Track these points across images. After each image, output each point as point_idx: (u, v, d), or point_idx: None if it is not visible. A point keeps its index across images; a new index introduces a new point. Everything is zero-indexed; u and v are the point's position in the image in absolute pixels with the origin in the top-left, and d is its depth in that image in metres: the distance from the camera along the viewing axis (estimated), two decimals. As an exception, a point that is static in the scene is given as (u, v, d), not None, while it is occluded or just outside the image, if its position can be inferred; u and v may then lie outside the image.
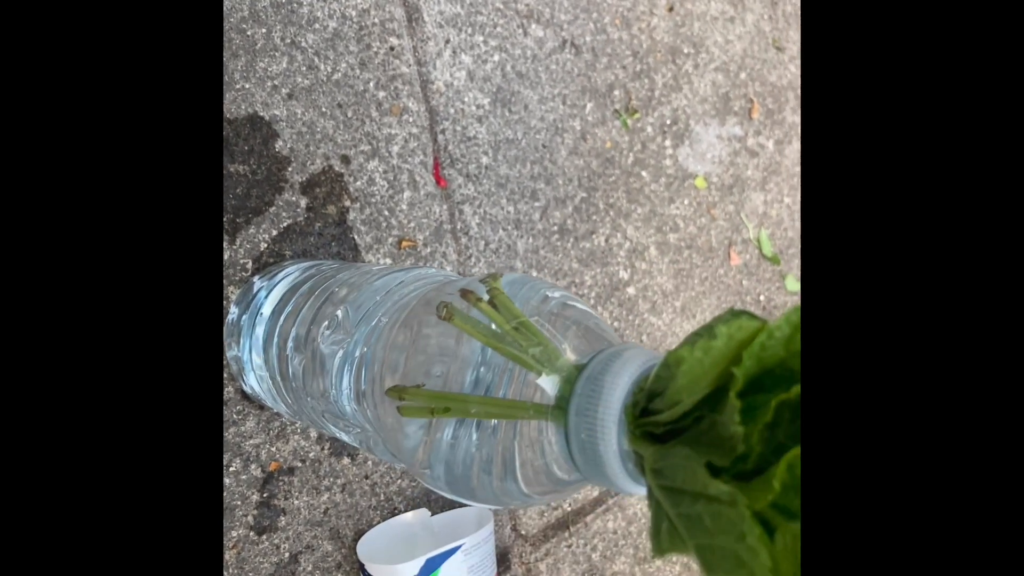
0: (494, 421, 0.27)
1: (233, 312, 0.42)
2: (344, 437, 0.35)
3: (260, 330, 0.38)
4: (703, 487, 0.18)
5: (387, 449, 0.32)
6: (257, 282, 0.42)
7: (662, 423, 0.20)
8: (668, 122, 0.69)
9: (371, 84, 0.49)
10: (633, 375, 0.22)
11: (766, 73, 0.79)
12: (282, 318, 0.37)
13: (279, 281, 0.40)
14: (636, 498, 0.67)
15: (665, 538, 0.20)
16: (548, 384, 0.25)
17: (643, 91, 0.67)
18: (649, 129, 0.67)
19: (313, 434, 0.47)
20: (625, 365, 0.23)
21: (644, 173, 0.67)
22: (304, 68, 0.46)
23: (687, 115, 0.71)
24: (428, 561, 0.48)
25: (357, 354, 0.30)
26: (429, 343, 0.27)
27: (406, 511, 0.52)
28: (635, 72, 0.66)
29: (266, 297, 0.40)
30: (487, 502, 0.28)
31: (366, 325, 0.31)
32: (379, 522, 0.51)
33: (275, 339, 0.37)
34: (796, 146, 0.82)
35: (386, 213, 0.50)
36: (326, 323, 0.33)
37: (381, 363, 0.28)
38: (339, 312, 0.33)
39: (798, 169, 0.82)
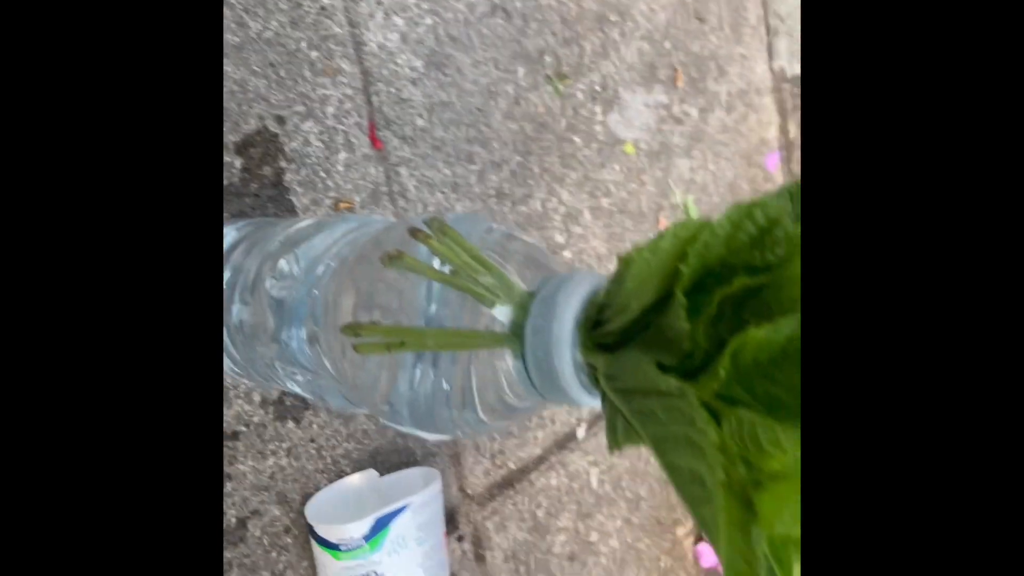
0: (450, 355, 0.27)
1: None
2: (295, 388, 0.35)
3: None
4: (654, 384, 0.20)
5: (342, 393, 0.32)
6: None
7: (613, 332, 0.22)
8: (598, 88, 0.70)
9: (303, 44, 0.49)
10: (584, 293, 0.23)
11: (689, 43, 0.81)
12: (226, 273, 0.36)
13: (218, 238, 0.39)
14: (577, 455, 0.69)
15: (621, 434, 0.21)
16: (502, 313, 0.26)
17: (573, 57, 0.68)
18: (580, 95, 0.69)
19: (256, 398, 0.47)
20: (577, 285, 0.24)
21: (576, 138, 0.68)
22: (233, 25, 0.45)
23: (615, 82, 0.72)
24: (377, 520, 0.48)
25: (308, 297, 0.30)
26: (381, 282, 0.28)
27: (353, 473, 0.52)
28: (564, 39, 0.67)
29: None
30: (444, 432, 0.28)
31: (314, 270, 0.31)
32: (326, 485, 0.51)
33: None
34: (719, 115, 0.85)
35: (322, 174, 0.50)
36: (273, 273, 0.33)
37: (334, 304, 0.29)
38: (284, 262, 0.32)
39: (722, 136, 0.86)
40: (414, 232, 0.28)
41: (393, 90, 0.54)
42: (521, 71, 0.63)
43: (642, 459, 0.76)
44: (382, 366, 0.29)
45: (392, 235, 0.29)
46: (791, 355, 0.18)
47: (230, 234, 0.40)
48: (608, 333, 0.22)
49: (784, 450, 0.17)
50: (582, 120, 0.69)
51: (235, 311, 0.35)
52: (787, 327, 0.17)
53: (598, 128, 0.71)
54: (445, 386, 0.28)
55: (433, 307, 0.28)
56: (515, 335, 0.25)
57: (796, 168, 0.98)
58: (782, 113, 0.96)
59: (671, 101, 0.79)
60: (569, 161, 0.68)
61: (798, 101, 0.97)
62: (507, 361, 0.25)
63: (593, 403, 0.24)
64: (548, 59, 0.66)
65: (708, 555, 0.81)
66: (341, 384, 0.31)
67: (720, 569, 0.91)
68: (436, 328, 0.27)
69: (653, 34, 0.77)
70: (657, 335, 0.21)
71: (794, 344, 0.17)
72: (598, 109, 0.71)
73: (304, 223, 0.35)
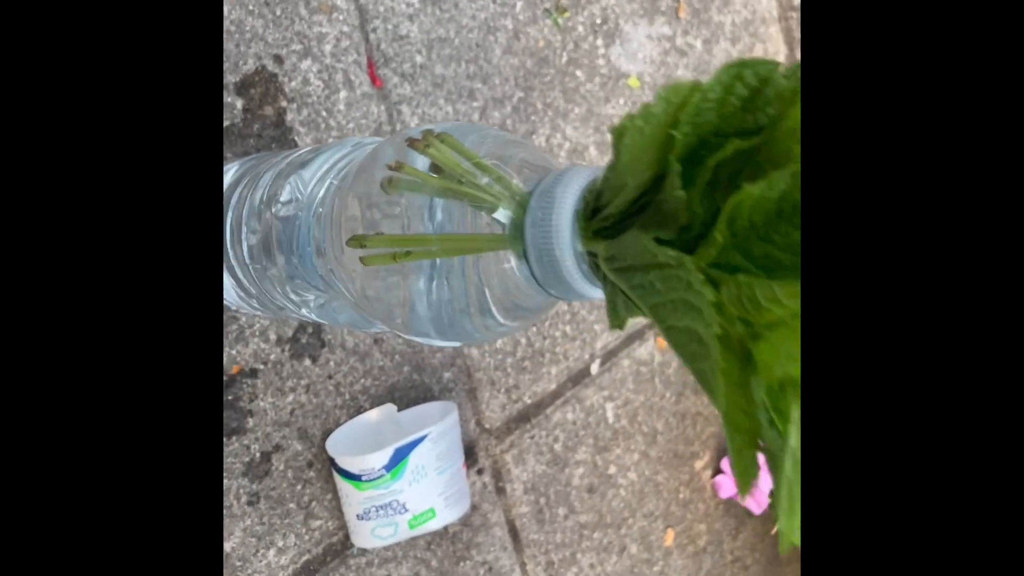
0: (458, 264, 0.28)
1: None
2: (310, 315, 0.36)
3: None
4: (652, 257, 0.20)
5: (356, 311, 0.33)
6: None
7: (612, 215, 0.22)
8: (598, 21, 0.69)
9: (297, -19, 0.48)
10: (581, 183, 0.24)
11: (690, -28, 0.80)
12: (232, 203, 0.37)
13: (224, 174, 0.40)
14: (592, 390, 0.70)
15: (622, 310, 0.21)
16: (503, 215, 0.26)
17: (571, -10, 0.67)
18: (580, 28, 0.68)
19: (272, 336, 0.48)
20: (575, 176, 0.24)
21: (579, 73, 0.68)
22: (226, -37, 0.45)
23: (616, 14, 0.71)
24: (396, 451, 0.49)
25: (313, 216, 0.31)
26: (383, 194, 0.28)
27: (371, 408, 0.53)
28: (562, -30, 0.66)
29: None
30: (465, 339, 0.29)
31: (318, 189, 0.31)
32: (346, 420, 0.52)
33: (228, 224, 0.37)
34: (724, 46, 0.84)
35: (324, 113, 0.50)
36: (278, 196, 0.33)
37: (340, 218, 0.29)
38: (288, 184, 0.33)
39: (726, 68, 0.84)
40: (412, 142, 0.28)
41: (390, 27, 0.53)
42: (519, 4, 0.62)
43: (657, 394, 0.76)
44: (393, 276, 0.29)
45: (389, 148, 0.29)
46: (787, 212, 0.18)
47: (233, 168, 0.40)
48: (607, 217, 0.22)
49: (783, 305, 0.18)
50: (584, 54, 0.68)
51: (244, 240, 0.36)
52: (782, 182, 0.17)
53: (600, 62, 0.70)
54: (460, 294, 0.28)
55: (437, 215, 0.28)
56: (517, 234, 0.25)
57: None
58: (789, 43, 0.94)
59: (674, 33, 0.78)
60: (572, 96, 0.67)
61: (805, 30, 0.95)
62: (512, 262, 0.26)
63: (596, 295, 0.25)
64: (546, -8, 0.65)
65: (726, 487, 0.83)
66: (355, 300, 0.31)
67: (739, 499, 0.92)
68: (440, 234, 0.27)
69: (653, -36, 0.75)
70: (655, 213, 0.21)
71: (790, 199, 0.17)
72: (600, 42, 0.70)
73: (304, 149, 0.36)
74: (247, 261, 0.36)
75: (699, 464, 0.82)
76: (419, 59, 0.55)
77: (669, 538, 0.78)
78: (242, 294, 0.39)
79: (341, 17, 0.50)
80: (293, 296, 0.35)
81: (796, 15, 0.94)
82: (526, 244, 0.24)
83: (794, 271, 0.18)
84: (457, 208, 0.28)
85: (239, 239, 0.36)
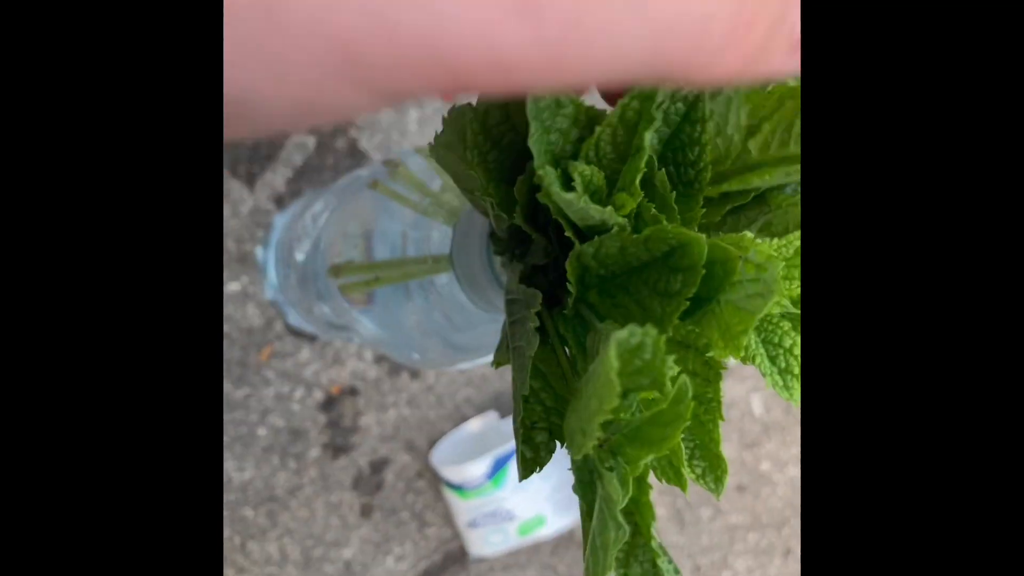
0: (424, 285, 0.27)
1: (259, 253, 0.45)
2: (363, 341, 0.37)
3: (271, 258, 0.41)
4: (515, 290, 0.18)
5: (368, 339, 0.34)
6: (277, 219, 0.45)
7: (503, 241, 0.20)
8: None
9: None
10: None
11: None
12: (280, 247, 0.39)
13: (283, 217, 0.43)
14: (731, 381, 0.64)
15: (502, 348, 0.19)
16: (447, 235, 0.25)
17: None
18: None
19: (368, 356, 0.50)
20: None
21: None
22: None
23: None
24: (497, 459, 0.50)
25: (317, 253, 0.32)
26: (356, 217, 0.28)
27: (474, 417, 0.53)
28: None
29: (277, 230, 0.42)
30: (481, 355, 0.28)
31: (317, 226, 0.32)
32: (450, 430, 0.53)
33: (279, 265, 0.39)
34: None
35: (396, 136, 0.51)
36: (297, 240, 0.35)
37: (324, 245, 0.30)
38: (300, 226, 0.34)
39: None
40: (373, 184, 0.28)
41: (456, 38, 0.54)
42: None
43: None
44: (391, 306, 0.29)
45: (352, 187, 0.29)
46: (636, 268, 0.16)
47: (289, 210, 0.43)
48: (499, 242, 0.20)
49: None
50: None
51: (290, 278, 0.38)
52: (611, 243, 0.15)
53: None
54: (440, 314, 0.28)
55: (411, 232, 0.28)
56: (450, 256, 0.24)
57: None
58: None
59: None
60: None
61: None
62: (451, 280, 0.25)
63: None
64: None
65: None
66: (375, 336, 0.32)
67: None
68: (395, 260, 0.27)
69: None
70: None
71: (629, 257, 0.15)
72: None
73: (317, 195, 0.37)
74: (298, 299, 0.38)
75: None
76: (490, 64, 0.55)
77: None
78: (319, 327, 0.42)
79: (403, 40, 0.52)
80: (346, 328, 0.36)
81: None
82: (454, 265, 0.23)
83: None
84: (425, 224, 0.27)
85: (291, 281, 0.39)
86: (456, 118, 0.16)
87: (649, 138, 0.16)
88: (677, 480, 0.17)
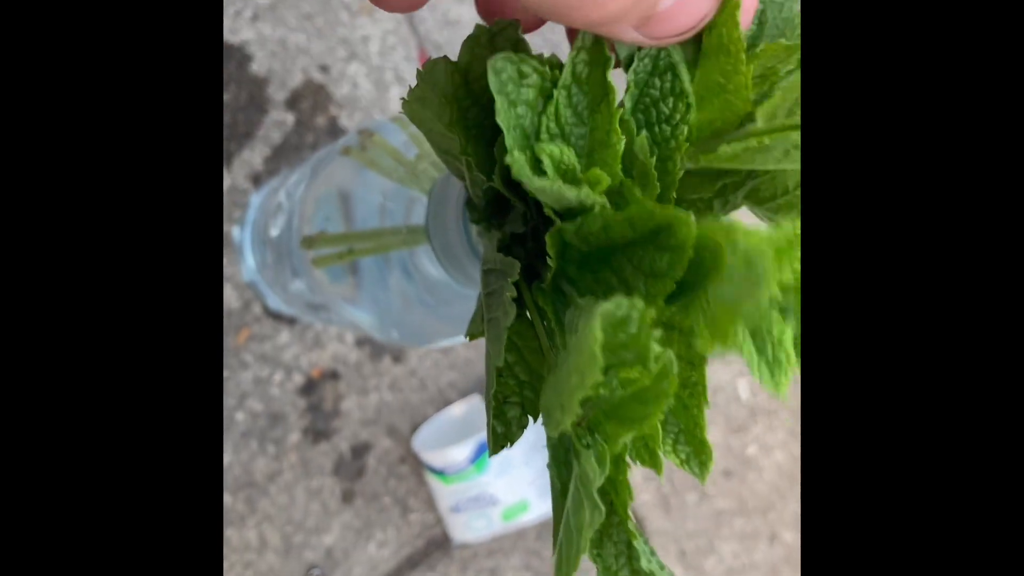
0: (403, 258, 0.26)
1: (235, 232, 0.44)
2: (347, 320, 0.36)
3: (247, 238, 0.40)
4: (493, 260, 0.17)
5: (346, 318, 0.33)
6: (253, 198, 0.44)
7: (480, 209, 0.19)
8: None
9: (336, -12, 0.49)
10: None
11: None
12: (258, 226, 0.38)
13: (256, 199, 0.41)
14: (715, 366, 0.64)
15: (477, 319, 0.18)
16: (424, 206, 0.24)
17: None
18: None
19: (349, 339, 0.49)
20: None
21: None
22: (262, -14, 0.47)
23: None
24: (480, 443, 0.49)
25: (291, 229, 0.31)
26: (330, 187, 0.27)
27: (458, 401, 0.53)
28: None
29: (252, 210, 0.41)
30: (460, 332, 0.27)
31: (293, 200, 0.31)
32: (434, 414, 0.52)
33: (255, 245, 0.38)
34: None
35: (377, 113, 0.50)
36: (272, 215, 0.34)
37: (298, 218, 0.29)
38: (277, 200, 0.33)
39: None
40: (345, 150, 0.27)
41: (439, 14, 0.52)
42: (585, -39, 0.58)
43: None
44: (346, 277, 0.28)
45: (327, 159, 0.28)
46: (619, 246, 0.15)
47: (262, 192, 0.42)
48: (475, 209, 0.19)
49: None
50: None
51: (266, 258, 0.37)
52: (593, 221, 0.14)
53: None
54: (418, 287, 0.27)
55: (387, 203, 0.27)
56: (425, 227, 0.23)
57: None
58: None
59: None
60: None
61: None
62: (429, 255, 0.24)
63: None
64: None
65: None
66: (338, 311, 0.31)
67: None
68: (369, 231, 0.26)
69: None
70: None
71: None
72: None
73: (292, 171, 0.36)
74: (273, 279, 0.37)
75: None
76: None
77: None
78: (296, 309, 0.41)
79: (384, 15, 0.50)
80: (327, 309, 0.35)
81: None
82: (429, 236, 0.22)
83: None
84: (404, 194, 0.26)
85: (267, 261, 0.37)
86: (432, 71, 0.15)
87: (610, 77, 0.15)
88: (652, 463, 0.17)
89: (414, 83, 0.16)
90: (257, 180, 0.46)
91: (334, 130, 0.49)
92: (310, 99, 0.48)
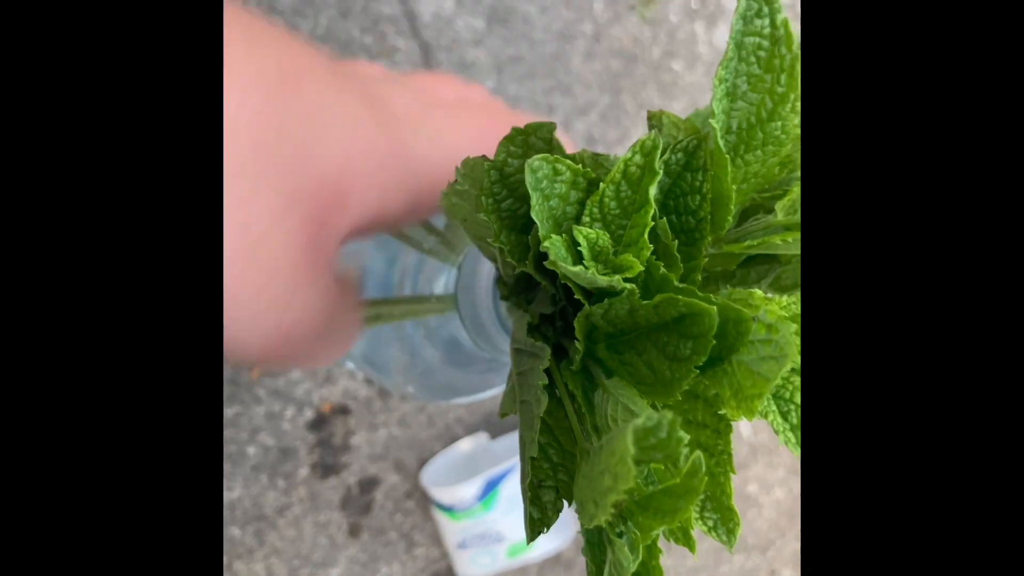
0: (433, 323, 0.27)
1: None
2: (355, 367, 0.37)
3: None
4: (523, 340, 0.18)
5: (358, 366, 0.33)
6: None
7: (508, 287, 0.20)
8: (693, 6, 0.64)
9: (356, 31, 0.50)
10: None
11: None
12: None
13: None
14: (720, 403, 0.65)
15: (508, 400, 0.19)
16: (451, 275, 0.25)
17: (660, -22, 0.62)
18: (673, 18, 0.63)
19: (360, 375, 0.50)
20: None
21: (676, 65, 0.63)
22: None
23: (717, -7, 0.65)
24: (488, 481, 0.49)
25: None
26: (350, 255, 0.28)
27: (465, 437, 0.53)
28: (647, -41, 0.62)
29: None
30: (477, 393, 0.28)
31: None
32: (441, 450, 0.53)
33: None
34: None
35: (393, 154, 0.51)
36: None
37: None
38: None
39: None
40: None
41: (455, 57, 0.53)
42: (598, 6, 0.59)
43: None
44: (388, 342, 0.29)
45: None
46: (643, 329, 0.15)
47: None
48: (505, 287, 0.20)
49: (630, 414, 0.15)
50: (681, 44, 0.63)
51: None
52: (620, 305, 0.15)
53: (702, 49, 0.64)
54: (442, 351, 0.28)
55: (405, 274, 0.28)
56: (454, 297, 0.24)
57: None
58: None
59: (792, 0, 0.69)
60: (670, 90, 0.63)
61: None
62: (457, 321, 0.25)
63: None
64: (630, -14, 0.61)
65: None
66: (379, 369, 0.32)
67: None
68: (401, 298, 0.26)
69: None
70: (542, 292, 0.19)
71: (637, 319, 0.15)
72: (699, 28, 0.64)
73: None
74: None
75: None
76: (489, 84, 0.55)
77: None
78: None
79: (403, 57, 0.51)
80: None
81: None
82: (459, 308, 0.23)
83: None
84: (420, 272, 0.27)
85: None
86: (471, 169, 0.16)
87: (654, 192, 0.16)
88: (686, 542, 0.17)
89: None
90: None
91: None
92: (328, 139, 0.49)
